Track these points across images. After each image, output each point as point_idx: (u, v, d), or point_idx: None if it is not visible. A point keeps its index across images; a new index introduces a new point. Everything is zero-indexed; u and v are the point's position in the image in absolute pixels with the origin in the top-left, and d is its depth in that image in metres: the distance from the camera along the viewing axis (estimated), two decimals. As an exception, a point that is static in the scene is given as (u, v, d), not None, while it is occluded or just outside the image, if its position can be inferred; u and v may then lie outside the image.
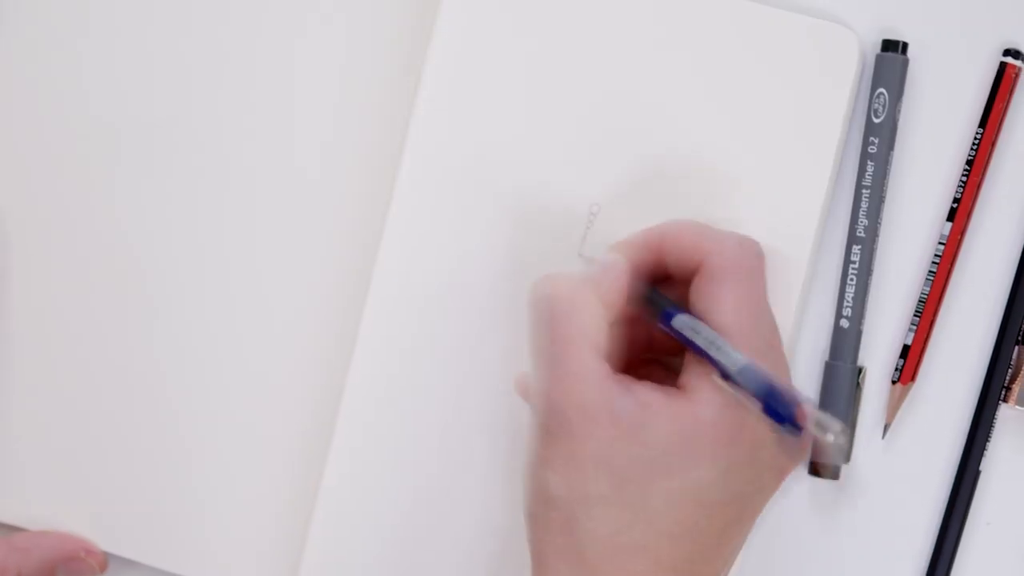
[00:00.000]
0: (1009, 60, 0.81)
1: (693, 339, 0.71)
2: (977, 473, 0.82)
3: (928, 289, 0.82)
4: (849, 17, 0.82)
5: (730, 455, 0.69)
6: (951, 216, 0.82)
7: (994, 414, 0.82)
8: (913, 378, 0.82)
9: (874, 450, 0.83)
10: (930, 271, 0.82)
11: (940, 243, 0.82)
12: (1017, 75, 0.81)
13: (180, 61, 0.84)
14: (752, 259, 0.72)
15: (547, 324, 0.71)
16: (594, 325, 0.71)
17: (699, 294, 0.71)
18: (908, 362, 0.82)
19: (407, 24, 0.83)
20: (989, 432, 0.82)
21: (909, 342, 0.82)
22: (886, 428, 0.82)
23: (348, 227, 0.83)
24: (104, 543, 0.85)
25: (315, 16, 0.83)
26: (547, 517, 0.70)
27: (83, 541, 0.84)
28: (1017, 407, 0.81)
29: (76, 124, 0.84)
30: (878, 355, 0.82)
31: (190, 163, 0.84)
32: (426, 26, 0.82)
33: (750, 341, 0.70)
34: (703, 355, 0.70)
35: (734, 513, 0.70)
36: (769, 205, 0.81)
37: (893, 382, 0.82)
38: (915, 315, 0.82)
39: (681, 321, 0.71)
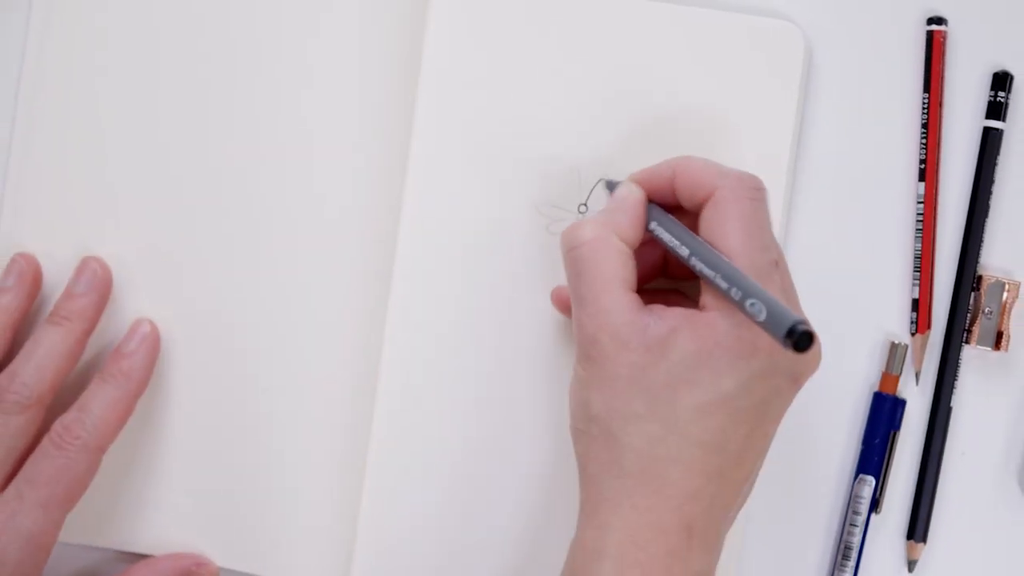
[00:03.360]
0: (934, 27, 0.84)
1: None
2: (949, 409, 0.84)
3: (920, 246, 0.84)
4: (786, 9, 0.84)
5: (750, 366, 0.72)
6: (922, 176, 0.84)
7: (959, 355, 0.84)
8: (929, 326, 0.84)
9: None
10: (917, 229, 0.84)
11: (919, 203, 0.84)
12: (944, 39, 0.84)
13: (188, 70, 0.83)
14: (755, 190, 0.74)
15: (579, 268, 0.75)
16: (619, 263, 0.74)
17: (708, 222, 0.74)
18: (920, 313, 0.84)
19: (406, 20, 0.83)
20: (956, 372, 0.84)
21: (916, 296, 0.84)
22: (917, 375, 0.84)
23: (365, 219, 0.83)
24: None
25: (319, 17, 0.83)
26: (589, 433, 0.74)
27: (194, 556, 0.83)
28: (978, 347, 0.84)
29: (90, 129, 0.83)
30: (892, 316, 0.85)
31: (216, 161, 0.83)
32: (421, 21, 0.84)
33: (755, 261, 0.72)
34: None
35: (757, 420, 0.73)
36: None
37: (912, 334, 0.84)
38: (915, 271, 0.84)
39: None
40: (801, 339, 0.67)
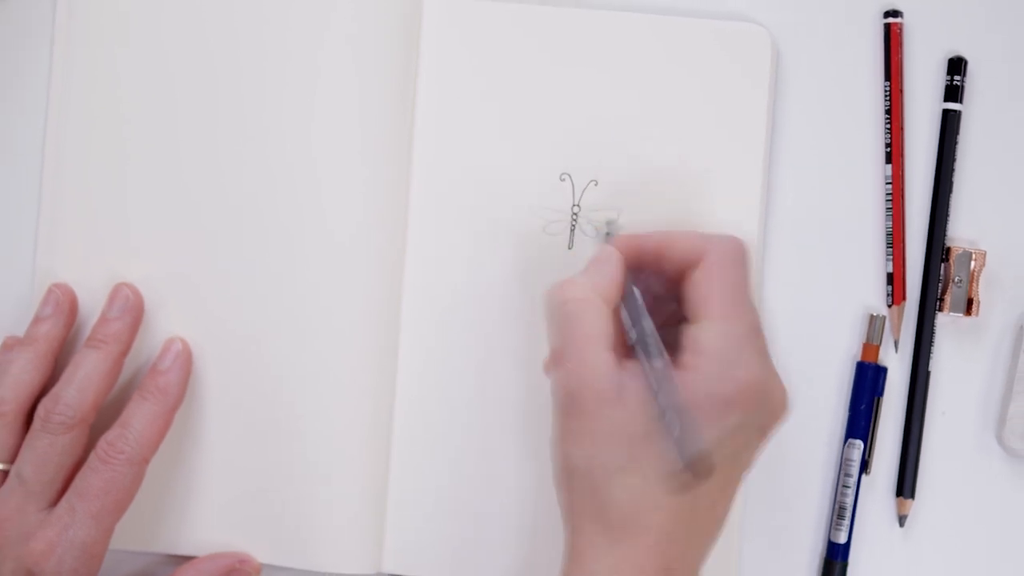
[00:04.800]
0: (890, 20, 0.86)
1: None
2: (927, 374, 0.86)
3: (891, 224, 0.85)
4: (752, 13, 0.86)
5: (723, 423, 0.72)
6: (889, 159, 0.85)
7: (933, 323, 0.86)
8: (904, 297, 0.86)
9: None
10: (887, 208, 0.86)
11: (887, 183, 0.85)
12: (901, 30, 0.86)
13: (201, 110, 0.85)
14: (737, 253, 0.76)
15: (563, 324, 0.76)
16: (600, 322, 0.75)
17: (695, 286, 0.75)
18: (895, 286, 0.85)
19: (401, 42, 0.85)
20: (932, 338, 0.86)
21: (890, 270, 0.86)
22: (896, 344, 0.86)
23: (374, 228, 0.84)
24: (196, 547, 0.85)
25: (318, 54, 0.84)
26: (573, 485, 0.75)
27: (236, 554, 0.84)
28: (951, 313, 0.85)
29: (113, 167, 0.85)
30: (869, 290, 0.87)
31: (231, 189, 0.84)
32: (415, 44, 0.85)
33: (735, 326, 0.74)
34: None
35: (729, 470, 0.75)
36: (718, 189, 0.85)
37: (889, 306, 0.86)
38: (887, 247, 0.85)
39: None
40: (700, 470, 0.69)
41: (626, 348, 0.76)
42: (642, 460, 0.73)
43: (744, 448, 0.75)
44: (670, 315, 0.77)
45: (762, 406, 0.74)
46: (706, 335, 0.74)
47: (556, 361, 0.76)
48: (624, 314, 0.76)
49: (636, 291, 0.77)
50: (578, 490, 0.75)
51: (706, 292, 0.75)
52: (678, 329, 0.76)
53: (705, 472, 0.69)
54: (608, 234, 0.81)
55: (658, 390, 0.72)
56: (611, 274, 0.77)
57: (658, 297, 0.79)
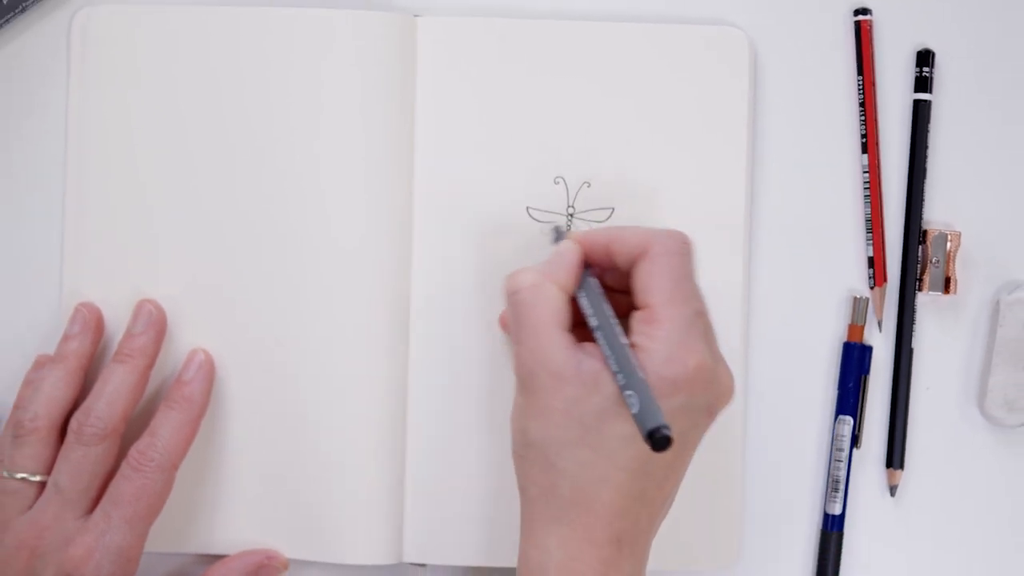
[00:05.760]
0: (860, 17, 0.87)
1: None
2: (911, 351, 0.88)
3: (869, 210, 0.87)
4: (729, 16, 0.88)
5: (670, 402, 0.74)
6: (864, 149, 0.87)
7: (914, 302, 0.88)
8: (885, 279, 0.87)
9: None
10: (865, 195, 0.87)
11: (864, 172, 0.87)
12: (871, 26, 0.87)
13: (214, 133, 0.86)
14: (683, 245, 0.77)
15: (518, 310, 0.77)
16: (553, 305, 0.77)
17: (640, 275, 0.77)
18: (876, 268, 0.87)
19: (399, 59, 0.86)
20: (913, 317, 0.88)
21: (871, 254, 0.87)
22: (880, 324, 0.88)
23: (380, 237, 0.85)
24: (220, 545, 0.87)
25: (321, 75, 0.85)
26: (528, 457, 0.77)
27: (264, 551, 0.86)
28: (930, 292, 0.87)
29: (132, 189, 0.86)
30: (852, 274, 0.88)
31: (244, 207, 0.86)
32: (412, 61, 0.86)
33: (681, 310, 0.75)
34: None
35: (677, 449, 0.75)
36: (704, 185, 0.86)
37: (871, 288, 0.87)
38: (867, 232, 0.87)
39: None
40: (659, 442, 0.70)
41: (584, 333, 0.77)
42: (594, 436, 0.74)
43: (692, 428, 0.76)
44: (621, 308, 0.78)
45: (709, 388, 0.75)
46: (653, 320, 0.75)
47: (514, 343, 0.77)
48: (583, 301, 0.78)
49: (593, 279, 0.79)
50: (534, 463, 0.76)
51: (651, 280, 0.76)
52: (628, 320, 0.77)
53: (664, 445, 0.70)
54: (557, 233, 0.82)
55: (618, 369, 0.73)
56: (569, 263, 0.78)
57: (609, 291, 0.80)
